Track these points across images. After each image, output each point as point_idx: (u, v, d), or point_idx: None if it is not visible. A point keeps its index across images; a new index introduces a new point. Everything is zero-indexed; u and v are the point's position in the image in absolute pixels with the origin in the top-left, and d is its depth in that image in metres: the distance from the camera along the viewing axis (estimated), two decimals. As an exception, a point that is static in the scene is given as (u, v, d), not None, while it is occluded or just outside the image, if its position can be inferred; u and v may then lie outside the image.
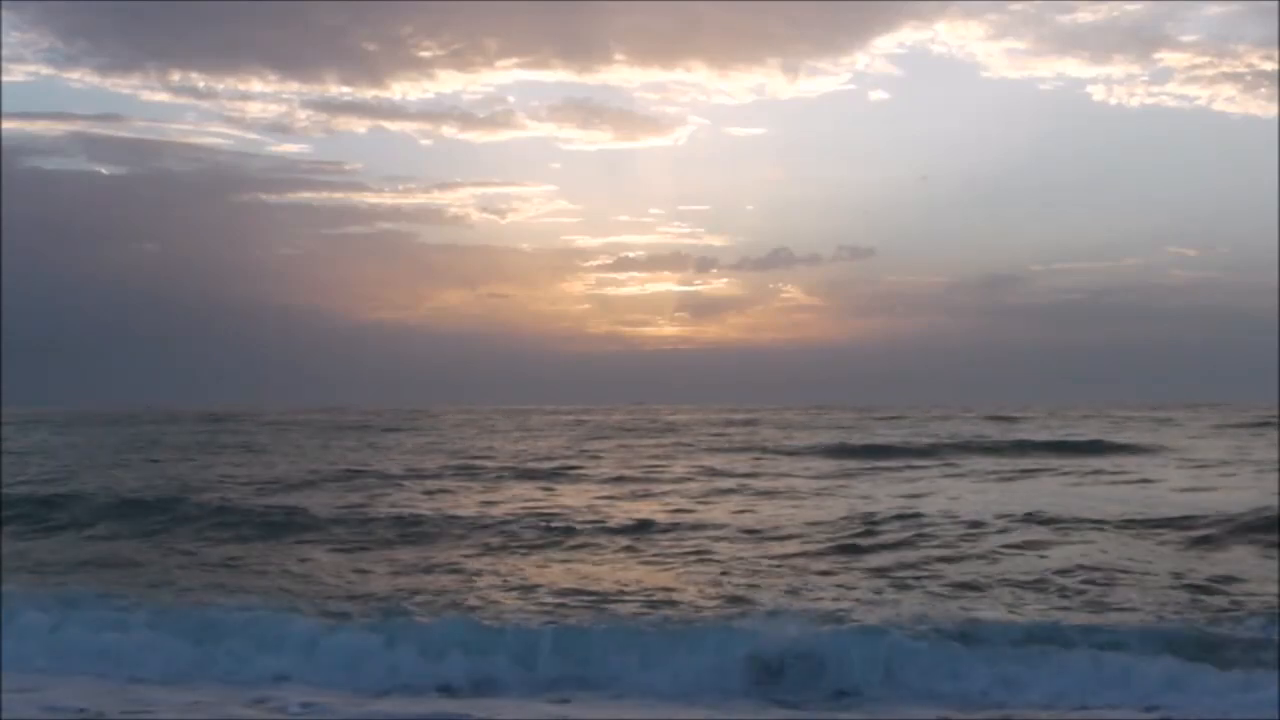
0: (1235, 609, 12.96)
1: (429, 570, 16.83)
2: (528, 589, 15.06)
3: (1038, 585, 14.67)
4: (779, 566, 16.50)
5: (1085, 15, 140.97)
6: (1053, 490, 26.48)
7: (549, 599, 14.30)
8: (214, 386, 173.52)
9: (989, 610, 13.14)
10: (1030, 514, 20.65)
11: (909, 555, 17.13)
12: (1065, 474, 30.77)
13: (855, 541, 18.43)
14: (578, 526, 20.69)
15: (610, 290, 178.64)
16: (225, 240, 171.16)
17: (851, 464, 35.30)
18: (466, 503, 24.92)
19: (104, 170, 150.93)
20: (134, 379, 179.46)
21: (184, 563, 17.80)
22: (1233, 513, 20.03)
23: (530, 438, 55.14)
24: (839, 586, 14.95)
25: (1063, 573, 15.42)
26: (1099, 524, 19.75)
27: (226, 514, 22.33)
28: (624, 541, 19.18)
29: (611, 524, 20.99)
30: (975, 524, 19.72)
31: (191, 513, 22.47)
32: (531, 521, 21.22)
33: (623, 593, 14.64)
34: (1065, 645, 11.03)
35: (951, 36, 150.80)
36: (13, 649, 11.81)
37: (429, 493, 26.93)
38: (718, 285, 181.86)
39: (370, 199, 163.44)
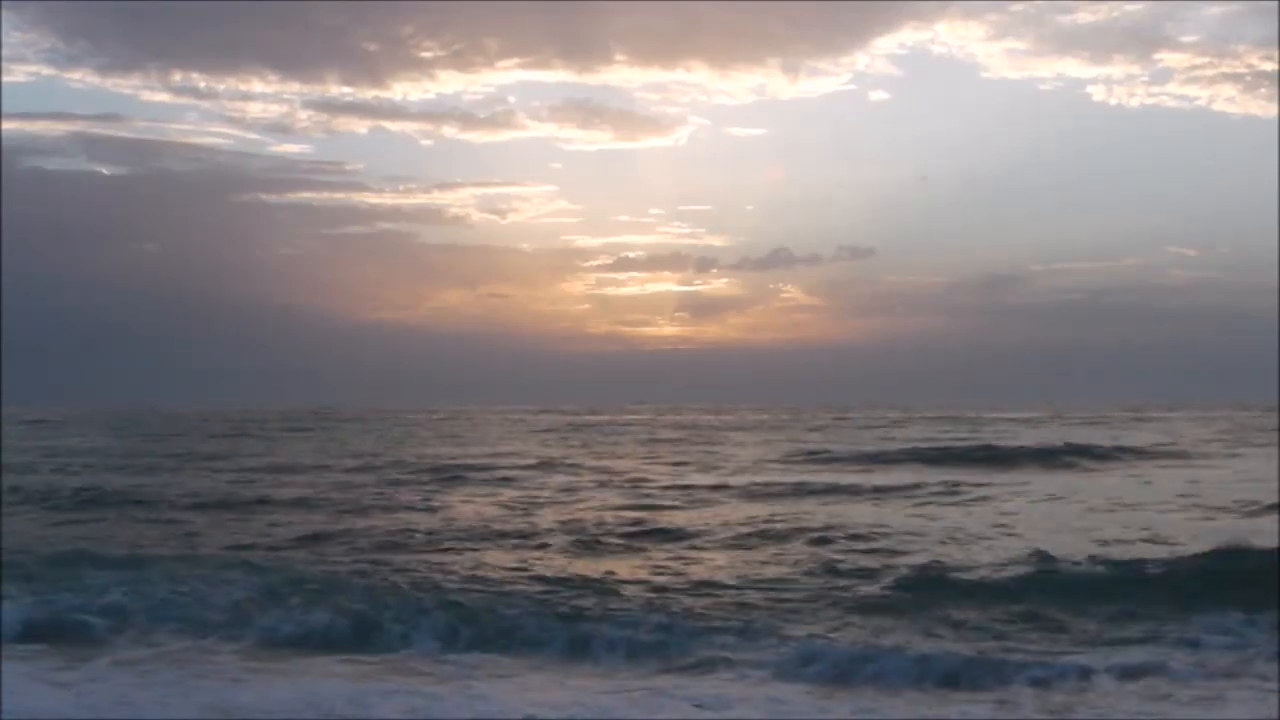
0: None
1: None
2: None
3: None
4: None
5: (1085, 15, 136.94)
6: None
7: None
8: (214, 386, 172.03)
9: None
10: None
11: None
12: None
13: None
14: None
15: (610, 290, 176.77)
16: (225, 240, 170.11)
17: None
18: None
19: (104, 170, 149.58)
20: (134, 379, 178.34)
21: None
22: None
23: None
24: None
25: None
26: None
27: None
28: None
29: None
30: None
31: None
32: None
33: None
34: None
35: (952, 37, 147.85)
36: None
37: None
38: (718, 285, 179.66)
39: (371, 199, 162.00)
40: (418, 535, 18.26)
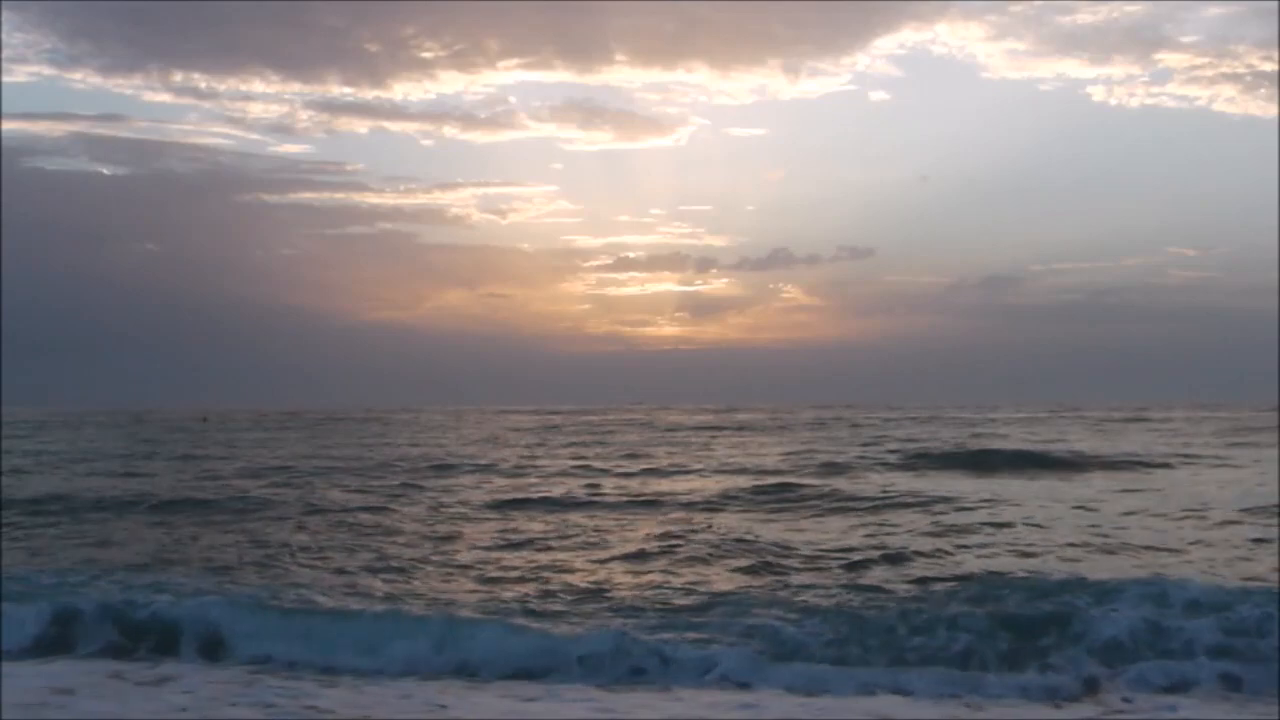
0: None
1: None
2: None
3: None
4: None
5: (1085, 16, 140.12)
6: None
7: None
8: (214, 387, 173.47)
9: None
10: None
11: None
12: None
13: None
14: None
15: (610, 290, 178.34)
16: (226, 240, 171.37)
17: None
18: None
19: (106, 171, 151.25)
20: (134, 379, 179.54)
21: None
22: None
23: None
24: None
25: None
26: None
27: None
28: None
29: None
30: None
31: None
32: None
33: None
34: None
35: (952, 37, 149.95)
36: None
37: None
38: (718, 285, 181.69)
39: (371, 199, 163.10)
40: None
